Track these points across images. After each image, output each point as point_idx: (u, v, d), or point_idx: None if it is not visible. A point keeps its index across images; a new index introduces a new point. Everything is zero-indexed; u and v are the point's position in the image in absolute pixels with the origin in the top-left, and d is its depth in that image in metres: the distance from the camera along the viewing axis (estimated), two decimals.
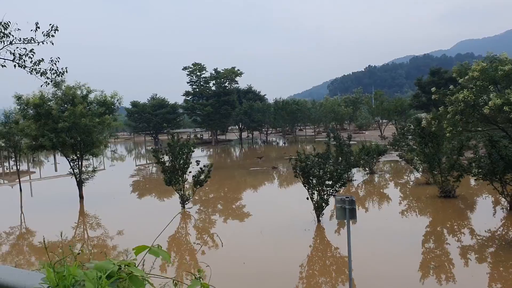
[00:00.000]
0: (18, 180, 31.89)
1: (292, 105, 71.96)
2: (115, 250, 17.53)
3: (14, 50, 11.23)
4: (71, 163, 26.73)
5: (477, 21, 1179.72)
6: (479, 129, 14.45)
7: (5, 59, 11.23)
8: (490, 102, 11.88)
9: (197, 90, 73.04)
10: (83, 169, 26.80)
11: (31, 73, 11.71)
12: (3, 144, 32.25)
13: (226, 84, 73.72)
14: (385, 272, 13.30)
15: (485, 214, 19.18)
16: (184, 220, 21.57)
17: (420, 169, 25.55)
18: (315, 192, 18.04)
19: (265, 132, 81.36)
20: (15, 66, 11.46)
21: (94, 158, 26.89)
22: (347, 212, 10.19)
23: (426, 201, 22.28)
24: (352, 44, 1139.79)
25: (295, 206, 22.25)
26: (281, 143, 74.17)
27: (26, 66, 11.58)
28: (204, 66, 72.17)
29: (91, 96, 26.95)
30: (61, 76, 11.81)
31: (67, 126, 23.89)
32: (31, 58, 11.41)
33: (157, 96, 77.74)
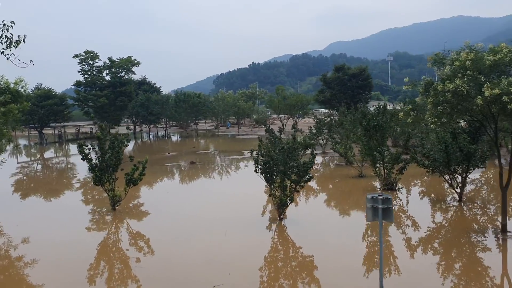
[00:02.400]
0: None
1: (194, 97, 69.85)
2: (20, 261, 14.71)
3: None
4: None
5: (346, 25, 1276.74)
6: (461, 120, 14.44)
7: None
8: (486, 92, 11.69)
9: (90, 80, 67.16)
10: None
11: None
12: None
13: (122, 74, 68.92)
14: (331, 267, 13.02)
15: (432, 206, 19.72)
16: (116, 224, 18.98)
17: (361, 162, 25.73)
18: (277, 189, 16.89)
19: (163, 126, 78.07)
20: None
21: None
22: (379, 212, 9.14)
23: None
24: (233, 41, 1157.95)
25: (246, 203, 20.99)
26: (176, 138, 71.51)
27: None
28: (98, 54, 66.62)
29: None
30: (16, 46, 9.05)
31: None
32: None
33: (43, 86, 70.00)
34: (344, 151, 26.90)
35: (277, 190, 16.88)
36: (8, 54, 9.06)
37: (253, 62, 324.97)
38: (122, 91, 66.68)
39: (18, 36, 8.86)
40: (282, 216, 17.23)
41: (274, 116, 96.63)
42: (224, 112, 75.00)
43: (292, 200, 16.64)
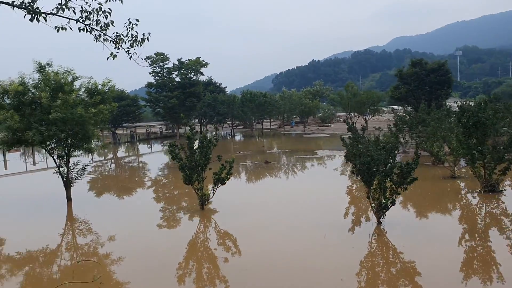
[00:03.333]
0: None
1: (260, 97, 69.77)
2: (108, 259, 14.79)
3: (82, 7, 8.18)
4: (56, 160, 23.02)
5: (409, 20, 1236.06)
6: None
7: (69, 19, 8.13)
8: None
9: (160, 81, 68.89)
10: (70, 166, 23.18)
11: (97, 40, 8.68)
12: None
13: (191, 75, 70.10)
14: (433, 274, 12.01)
15: None
16: (204, 223, 18.86)
17: (453, 162, 24.22)
18: (374, 191, 15.99)
19: (228, 125, 78.70)
20: (80, 30, 8.38)
21: (89, 153, 23.30)
22: None
23: (469, 197, 20.99)
24: (291, 39, 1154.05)
25: (335, 205, 20.29)
26: (240, 137, 71.59)
27: (94, 29, 8.54)
28: (168, 56, 68.17)
29: (77, 83, 23.37)
30: (141, 45, 8.85)
31: (60, 117, 20.24)
32: (105, 17, 8.41)
33: (115, 87, 72.55)
34: (436, 150, 25.40)
35: (375, 193, 16.01)
36: (131, 53, 8.89)
37: (312, 60, 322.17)
38: (192, 91, 67.80)
39: (143, 34, 8.66)
40: (381, 220, 16.34)
41: (339, 114, 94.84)
42: (291, 111, 74.26)
43: (393, 203, 15.68)
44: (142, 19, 8.55)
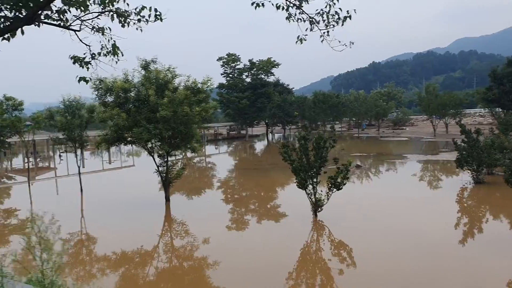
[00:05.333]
0: (79, 178, 27.32)
1: (333, 98, 67.55)
2: (204, 262, 13.87)
3: None
4: (156, 160, 22.43)
5: (472, 20, 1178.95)
6: None
7: None
8: None
9: (231, 82, 68.44)
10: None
11: (289, 20, 7.39)
12: (61, 137, 27.63)
13: (262, 76, 69.18)
14: None
15: None
16: (317, 231, 17.36)
17: None
18: None
19: (297, 127, 77.14)
20: (277, 7, 7.12)
21: (193, 153, 22.62)
22: None
23: None
24: (348, 41, 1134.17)
25: (460, 214, 18.27)
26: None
27: (290, 6, 7.23)
28: (239, 56, 67.66)
29: (176, 81, 22.61)
30: (342, 24, 7.45)
31: (168, 115, 19.48)
32: None
33: (214, 86, 72.95)
34: None
35: None
36: (326, 34, 7.46)
37: (373, 62, 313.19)
38: (262, 92, 66.86)
39: (347, 11, 7.20)
40: None
41: (412, 116, 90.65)
42: (366, 113, 71.36)
43: None
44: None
